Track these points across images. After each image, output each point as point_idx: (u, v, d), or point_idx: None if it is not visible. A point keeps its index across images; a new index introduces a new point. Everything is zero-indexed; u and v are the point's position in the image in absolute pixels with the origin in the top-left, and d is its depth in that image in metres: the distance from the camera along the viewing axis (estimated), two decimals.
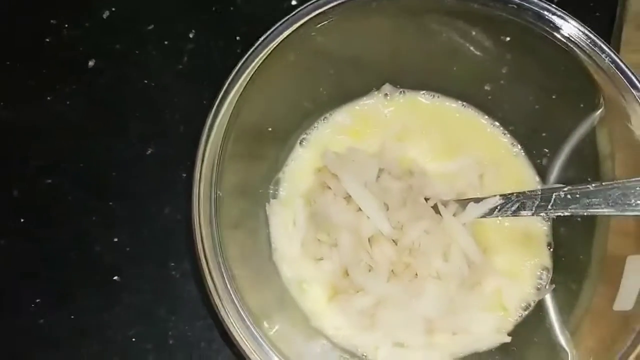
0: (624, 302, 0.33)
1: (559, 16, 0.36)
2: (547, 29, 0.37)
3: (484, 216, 0.36)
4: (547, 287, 0.39)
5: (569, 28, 0.36)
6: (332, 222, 0.37)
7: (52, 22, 0.48)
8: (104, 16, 0.48)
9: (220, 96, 0.36)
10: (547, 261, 0.40)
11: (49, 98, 0.46)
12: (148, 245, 0.44)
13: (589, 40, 0.36)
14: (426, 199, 0.38)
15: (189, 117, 0.46)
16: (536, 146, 0.42)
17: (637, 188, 0.29)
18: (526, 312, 0.39)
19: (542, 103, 0.42)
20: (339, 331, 0.38)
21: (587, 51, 0.36)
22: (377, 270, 0.36)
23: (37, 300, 0.43)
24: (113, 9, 0.48)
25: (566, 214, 0.32)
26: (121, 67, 0.47)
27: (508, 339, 0.38)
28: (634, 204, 0.30)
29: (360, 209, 0.37)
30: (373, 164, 0.38)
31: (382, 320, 0.36)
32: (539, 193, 0.34)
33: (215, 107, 0.36)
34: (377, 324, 0.37)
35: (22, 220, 0.44)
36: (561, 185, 0.34)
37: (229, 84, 0.36)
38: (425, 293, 0.36)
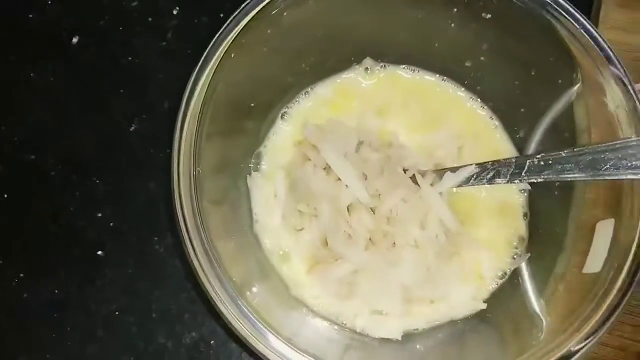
0: (593, 264, 0.34)
1: None
2: (529, 4, 0.37)
3: (460, 185, 0.37)
4: (522, 256, 0.40)
5: (551, 4, 0.37)
6: (312, 192, 0.37)
7: None
8: None
9: (196, 71, 0.36)
10: (523, 231, 0.41)
11: (31, 74, 0.47)
12: (132, 221, 0.44)
13: (569, 15, 0.36)
14: (404, 170, 0.38)
15: (173, 94, 0.45)
16: (515, 120, 0.43)
17: (607, 153, 0.30)
18: (502, 281, 0.40)
19: (521, 78, 0.42)
20: (318, 300, 0.38)
21: (567, 26, 0.37)
22: (355, 238, 0.37)
23: (21, 275, 0.43)
24: None
25: (539, 180, 0.33)
26: (105, 44, 0.47)
27: (484, 306, 0.38)
28: (603, 169, 0.30)
29: (339, 179, 0.38)
30: (352, 135, 0.39)
31: (360, 289, 0.37)
32: (514, 161, 0.34)
33: (191, 82, 0.36)
34: (355, 292, 0.37)
35: (5, 195, 0.44)
36: (534, 153, 0.35)
37: (204, 59, 0.36)
38: (402, 261, 0.36)
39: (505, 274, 0.40)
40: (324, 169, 0.39)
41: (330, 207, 0.38)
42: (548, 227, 0.40)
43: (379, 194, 0.37)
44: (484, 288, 0.39)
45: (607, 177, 0.29)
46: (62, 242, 0.44)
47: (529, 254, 0.40)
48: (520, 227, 0.41)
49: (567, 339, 0.34)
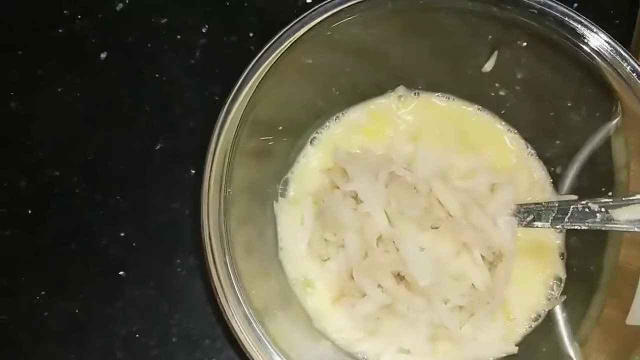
0: (637, 316, 0.33)
1: (580, 23, 0.36)
2: (568, 35, 0.36)
3: None
4: (558, 297, 0.39)
5: (590, 35, 0.36)
6: (339, 221, 0.37)
7: (65, 12, 0.48)
8: (117, 8, 0.48)
9: (233, 92, 0.36)
10: (560, 271, 0.40)
11: (59, 89, 0.46)
12: (154, 240, 0.43)
13: (609, 48, 0.35)
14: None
15: (199, 113, 0.46)
16: (551, 153, 0.42)
17: None
18: (535, 323, 0.38)
19: (557, 110, 0.41)
20: (342, 334, 0.38)
21: (607, 58, 0.36)
22: (380, 274, 0.35)
23: (42, 293, 0.42)
24: (127, 1, 0.48)
25: (583, 227, 0.32)
26: (133, 60, 0.47)
27: (515, 350, 0.37)
28: None
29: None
30: (384, 165, 0.38)
31: (385, 326, 0.36)
32: (556, 205, 0.33)
33: (228, 103, 0.36)
34: (381, 329, 0.36)
35: (29, 211, 0.44)
36: (577, 197, 0.34)
37: (242, 81, 0.36)
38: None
39: (540, 316, 0.38)
40: (353, 197, 0.38)
41: (358, 238, 0.37)
42: (582, 266, 0.39)
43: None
44: (516, 329, 0.38)
45: None
46: (84, 261, 0.43)
47: (564, 296, 0.39)
48: (557, 267, 0.40)
49: None
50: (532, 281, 0.39)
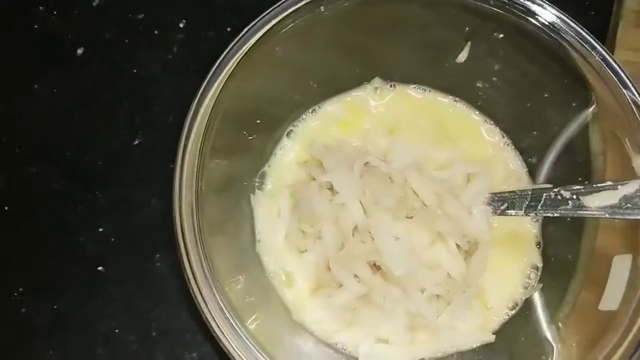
0: (609, 302, 0.33)
1: (550, 12, 0.36)
2: (538, 24, 0.36)
3: None
4: (535, 286, 0.39)
5: (560, 24, 0.36)
6: (315, 213, 0.37)
7: (41, 8, 0.47)
8: (94, 4, 0.48)
9: (203, 86, 0.36)
10: (536, 260, 0.40)
11: (35, 86, 0.46)
12: (133, 237, 0.43)
13: (580, 37, 0.36)
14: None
15: (177, 108, 0.44)
16: (527, 143, 0.42)
17: (630, 192, 0.29)
18: (513, 312, 0.39)
19: (534, 100, 0.41)
20: (320, 325, 0.38)
21: (578, 48, 0.36)
22: (357, 264, 0.35)
23: (20, 289, 0.42)
24: None
25: (556, 214, 0.32)
26: (110, 56, 0.47)
27: (492, 338, 0.37)
28: (624, 207, 0.29)
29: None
30: (359, 156, 0.38)
31: (364, 315, 0.36)
32: (529, 193, 0.33)
33: (198, 96, 0.36)
34: (358, 319, 0.36)
35: (5, 208, 0.44)
36: (551, 185, 0.34)
37: (212, 75, 0.36)
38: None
39: (517, 304, 0.39)
40: (329, 189, 0.38)
41: (334, 229, 0.37)
42: (559, 253, 0.39)
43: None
44: (493, 318, 0.38)
45: (627, 217, 0.28)
46: (63, 257, 0.43)
47: (541, 284, 0.39)
48: (534, 256, 0.40)
49: None
50: (509, 270, 0.39)
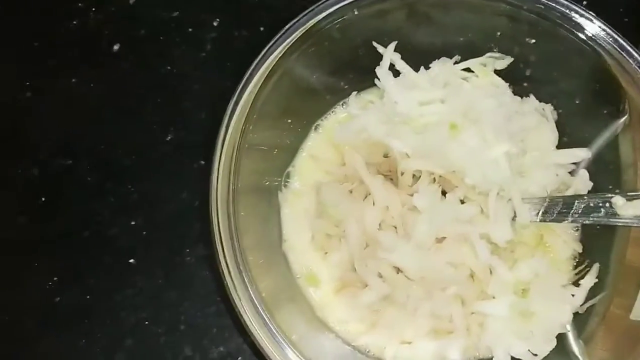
0: None
1: (586, 17, 0.36)
2: (574, 30, 0.36)
3: None
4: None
5: (596, 30, 0.36)
6: (339, 212, 0.37)
7: (80, 5, 0.48)
8: (130, 2, 0.49)
9: (241, 85, 0.37)
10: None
11: (73, 80, 0.47)
12: (164, 230, 0.44)
13: (616, 44, 0.35)
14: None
15: (210, 106, 0.46)
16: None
17: None
18: None
19: (565, 108, 0.41)
20: (344, 326, 0.38)
21: (614, 54, 0.36)
22: (379, 263, 0.36)
23: (55, 279, 0.43)
24: None
25: (587, 222, 0.32)
26: (144, 53, 0.48)
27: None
28: None
29: (366, 197, 0.37)
30: (380, 146, 0.38)
31: (387, 318, 0.36)
32: (561, 199, 0.33)
33: (236, 95, 0.36)
34: (382, 321, 0.37)
35: (43, 199, 0.45)
36: (583, 193, 0.34)
37: (250, 74, 0.37)
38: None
39: None
40: (352, 188, 0.38)
41: (358, 228, 0.37)
42: (591, 262, 0.39)
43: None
44: None
45: None
46: (95, 249, 0.44)
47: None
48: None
49: None
50: None
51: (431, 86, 0.38)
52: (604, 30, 0.36)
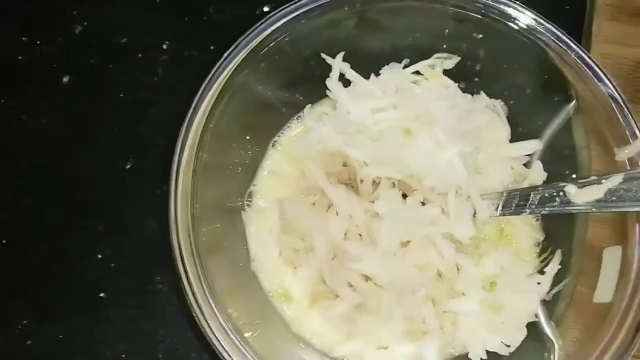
0: (603, 294, 0.33)
1: (525, 14, 0.36)
2: (515, 27, 0.37)
3: None
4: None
5: (536, 25, 0.36)
6: (304, 225, 0.37)
7: (24, 39, 0.48)
8: (76, 31, 0.48)
9: (193, 106, 0.37)
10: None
11: (23, 117, 0.46)
12: (132, 260, 0.44)
13: (555, 37, 0.36)
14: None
15: (166, 130, 0.44)
16: (512, 140, 0.42)
17: (614, 185, 0.29)
18: None
19: (516, 98, 0.42)
20: (320, 338, 0.38)
21: (554, 48, 0.37)
22: (348, 274, 0.36)
23: (24, 322, 0.42)
24: (85, 24, 0.48)
25: (544, 212, 0.33)
26: (96, 82, 0.47)
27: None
28: (610, 200, 0.30)
29: (329, 209, 0.37)
30: (338, 156, 0.38)
31: (362, 325, 0.36)
32: (518, 192, 0.34)
33: (188, 117, 0.36)
34: (357, 329, 0.37)
35: (3, 241, 0.44)
36: (538, 184, 0.34)
37: (200, 94, 0.37)
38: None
39: None
40: (313, 202, 0.38)
41: (324, 240, 0.37)
42: (554, 249, 0.39)
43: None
44: None
45: (614, 210, 0.29)
46: (64, 286, 0.43)
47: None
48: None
49: None
50: None
51: (383, 93, 0.38)
52: (540, 23, 0.36)
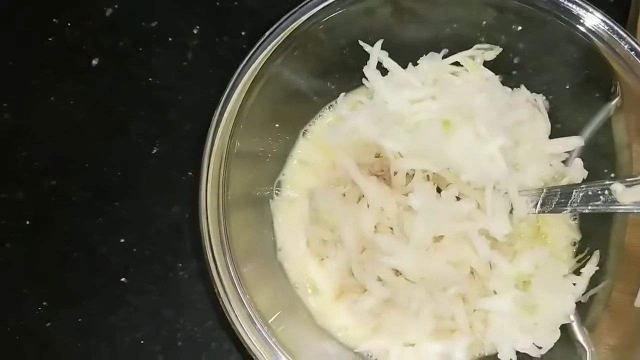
0: None
1: (574, 2, 0.35)
2: (562, 15, 0.35)
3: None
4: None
5: (585, 15, 0.35)
6: (334, 217, 0.36)
7: (55, 21, 0.47)
8: (107, 14, 0.48)
9: (225, 93, 0.36)
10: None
11: (52, 98, 0.46)
12: (155, 246, 0.43)
13: (607, 27, 0.35)
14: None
15: (194, 115, 0.45)
16: (551, 137, 0.41)
17: None
18: None
19: (555, 94, 0.41)
20: (346, 332, 0.37)
21: (605, 38, 0.35)
22: (378, 267, 0.35)
23: (44, 304, 0.42)
24: (116, 6, 0.48)
25: (586, 211, 0.32)
26: (125, 66, 0.47)
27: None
28: None
29: (360, 200, 0.36)
30: (373, 145, 0.37)
31: (389, 321, 0.36)
32: (559, 190, 0.33)
33: (221, 105, 0.36)
34: (384, 324, 0.36)
35: (27, 222, 0.44)
36: (580, 182, 0.33)
37: (234, 82, 0.36)
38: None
39: None
40: (345, 191, 0.38)
41: (354, 233, 0.36)
42: (591, 249, 0.38)
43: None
44: None
45: None
46: (85, 270, 0.43)
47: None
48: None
49: None
50: None
51: (421, 84, 0.37)
52: (591, 13, 0.35)
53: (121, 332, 0.42)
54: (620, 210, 0.29)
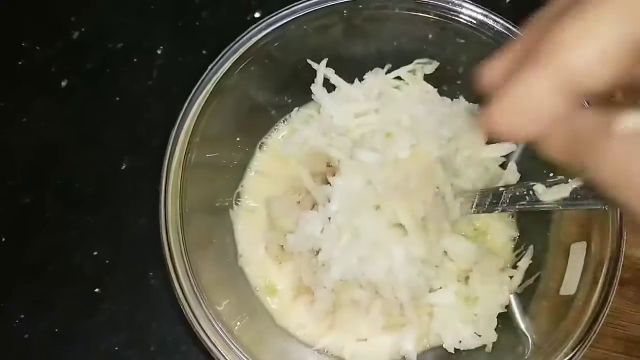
0: (568, 286, 0.35)
1: (492, 19, 0.38)
2: (500, 27, 0.38)
3: None
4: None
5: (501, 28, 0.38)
6: (288, 223, 0.39)
7: (23, 44, 0.49)
8: (74, 37, 0.50)
9: (184, 108, 0.38)
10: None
11: (24, 119, 0.48)
12: (126, 256, 0.45)
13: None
14: None
15: (161, 131, 0.47)
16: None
17: (580, 184, 0.31)
18: None
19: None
20: (304, 330, 0.40)
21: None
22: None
23: (21, 316, 0.44)
24: (83, 29, 0.50)
25: (515, 210, 0.34)
26: (93, 86, 0.49)
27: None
28: (574, 199, 0.31)
29: (314, 207, 0.39)
30: (324, 155, 0.39)
31: (343, 318, 0.38)
32: (490, 192, 0.35)
33: (179, 118, 0.38)
34: (338, 321, 0.38)
35: (2, 239, 0.46)
36: (510, 184, 0.36)
37: (191, 98, 0.38)
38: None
39: None
40: (298, 201, 0.40)
41: None
42: (527, 244, 0.41)
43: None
44: None
45: (578, 207, 0.30)
46: (61, 281, 0.45)
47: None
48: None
49: (551, 355, 0.35)
50: None
51: (365, 98, 0.40)
52: (509, 29, 0.38)
53: (97, 340, 0.44)
54: (542, 208, 0.32)
